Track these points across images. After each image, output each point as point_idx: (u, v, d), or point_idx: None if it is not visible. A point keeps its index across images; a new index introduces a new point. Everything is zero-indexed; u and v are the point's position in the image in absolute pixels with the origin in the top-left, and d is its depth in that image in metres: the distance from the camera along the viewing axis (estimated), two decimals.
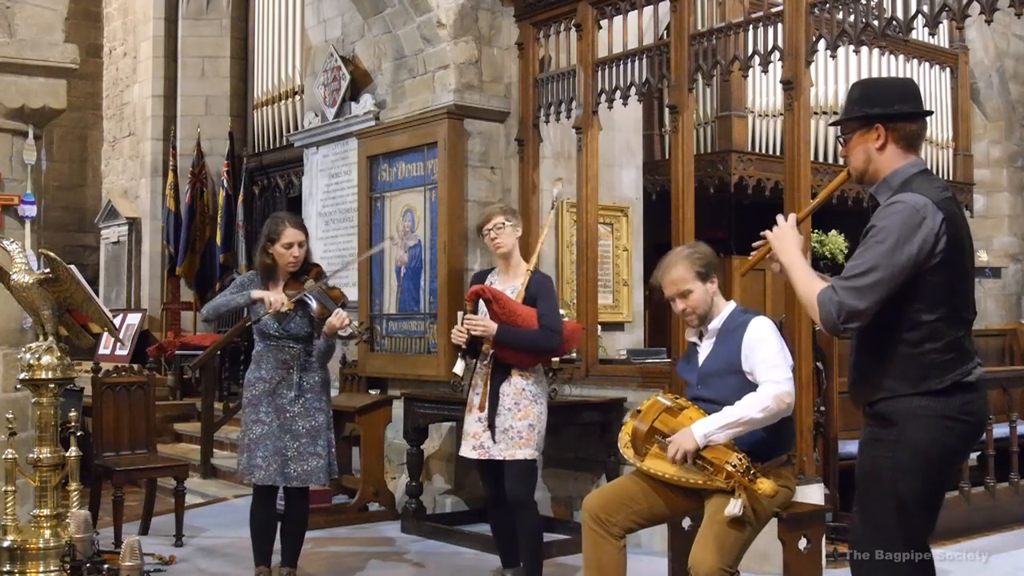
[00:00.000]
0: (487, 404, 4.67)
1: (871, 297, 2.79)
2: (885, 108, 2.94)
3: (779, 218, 3.16)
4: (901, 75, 9.46)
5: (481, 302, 4.75)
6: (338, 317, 4.63)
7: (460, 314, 4.77)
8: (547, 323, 4.69)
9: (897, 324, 2.84)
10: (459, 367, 4.73)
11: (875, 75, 9.16)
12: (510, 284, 4.79)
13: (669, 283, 3.83)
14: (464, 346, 4.68)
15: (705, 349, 3.85)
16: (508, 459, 4.63)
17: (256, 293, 4.67)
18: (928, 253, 2.77)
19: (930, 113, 3.10)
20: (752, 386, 3.66)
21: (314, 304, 4.69)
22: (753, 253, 3.28)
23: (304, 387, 4.76)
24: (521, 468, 4.65)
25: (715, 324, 3.82)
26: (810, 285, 2.94)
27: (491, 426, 4.65)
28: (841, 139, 3.07)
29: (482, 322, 4.62)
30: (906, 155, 2.94)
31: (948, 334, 2.83)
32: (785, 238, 3.08)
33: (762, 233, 3.22)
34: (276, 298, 4.62)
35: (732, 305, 3.87)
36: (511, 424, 4.64)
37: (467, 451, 4.75)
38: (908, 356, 2.84)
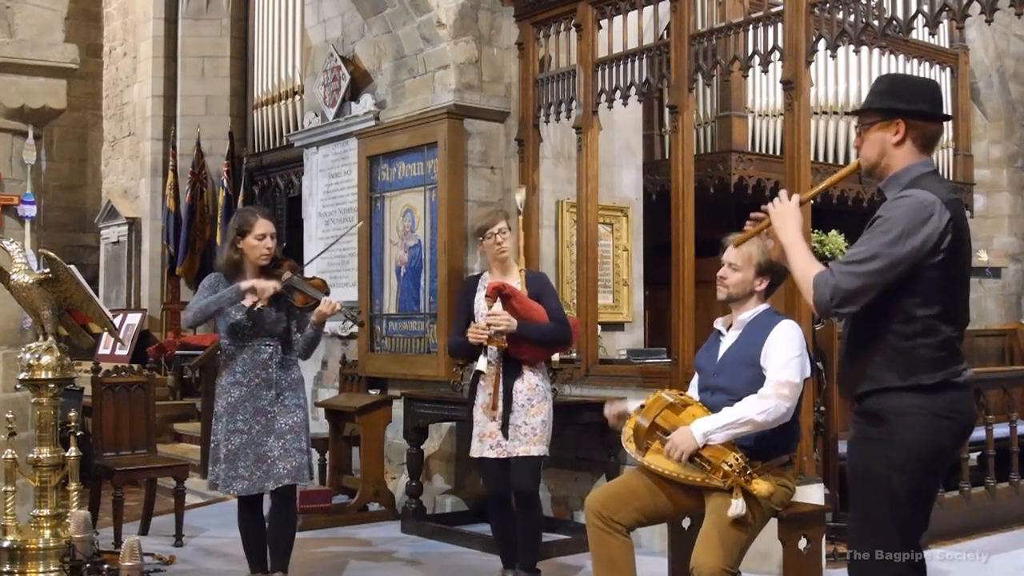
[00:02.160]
0: (500, 402, 4.67)
1: (866, 283, 2.81)
2: (909, 105, 2.95)
3: (782, 193, 3.15)
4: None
5: (480, 300, 4.79)
6: (328, 304, 4.53)
7: (482, 311, 4.73)
8: (557, 316, 4.80)
9: (891, 316, 2.86)
10: (482, 363, 4.70)
11: (875, 75, 9.17)
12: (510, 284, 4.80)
13: (733, 251, 3.83)
14: (485, 343, 4.66)
15: (730, 339, 3.87)
16: (522, 455, 4.66)
17: (246, 283, 4.48)
18: (931, 249, 2.79)
19: (949, 118, 3.10)
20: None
21: (295, 295, 4.61)
22: (749, 226, 3.28)
23: (283, 385, 4.64)
24: (533, 463, 4.71)
25: (745, 317, 3.84)
26: (808, 266, 2.95)
27: (505, 423, 4.66)
28: (858, 128, 3.07)
29: (506, 317, 4.61)
30: (920, 155, 2.96)
31: (942, 332, 2.85)
32: (787, 216, 3.07)
33: (762, 208, 3.20)
34: (267, 284, 4.46)
35: (766, 305, 3.88)
36: (525, 420, 4.68)
37: (484, 451, 4.73)
38: (899, 349, 2.85)
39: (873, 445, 2.90)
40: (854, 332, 2.98)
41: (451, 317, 6.63)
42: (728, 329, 3.90)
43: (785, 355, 3.67)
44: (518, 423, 4.68)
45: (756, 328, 3.79)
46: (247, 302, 4.51)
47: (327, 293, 4.70)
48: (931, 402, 2.83)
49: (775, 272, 3.81)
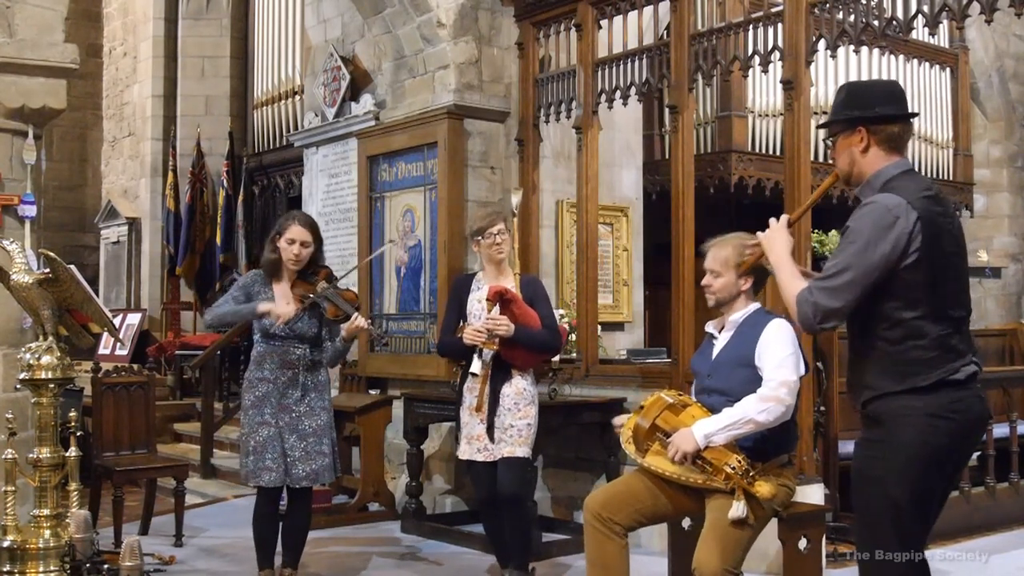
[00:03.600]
0: (487, 405, 4.68)
1: (844, 297, 2.84)
2: (865, 111, 2.98)
3: (771, 220, 3.21)
4: (901, 75, 9.50)
5: (473, 300, 4.79)
6: (358, 322, 4.64)
7: (482, 314, 4.71)
8: (550, 324, 4.79)
9: (878, 323, 2.88)
10: (476, 366, 4.67)
11: (875, 75, 9.18)
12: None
13: (711, 258, 3.88)
14: (481, 345, 4.63)
15: (722, 340, 3.88)
16: (507, 455, 4.66)
17: (263, 307, 4.62)
18: (902, 252, 2.80)
19: (914, 115, 3.12)
20: (762, 382, 3.67)
21: (326, 305, 4.69)
22: (748, 254, 3.34)
23: (309, 387, 4.74)
24: (519, 464, 4.69)
25: (736, 318, 3.85)
26: (791, 285, 3.00)
27: (490, 426, 4.67)
28: (828, 142, 3.11)
29: (506, 321, 4.60)
30: (889, 156, 2.98)
31: (931, 331, 2.85)
32: (775, 239, 3.14)
33: (757, 235, 3.26)
34: (285, 310, 4.60)
35: (756, 305, 3.89)
36: (511, 423, 4.68)
37: (472, 454, 4.73)
38: (891, 354, 2.87)
39: (872, 447, 2.92)
40: (852, 344, 3.02)
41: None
42: (720, 331, 3.91)
43: (780, 353, 3.68)
44: (504, 426, 4.68)
45: (747, 328, 3.80)
46: (268, 322, 4.65)
47: (358, 307, 4.78)
48: (927, 403, 2.83)
49: (757, 270, 3.82)
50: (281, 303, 4.65)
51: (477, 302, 4.81)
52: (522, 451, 4.68)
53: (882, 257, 2.80)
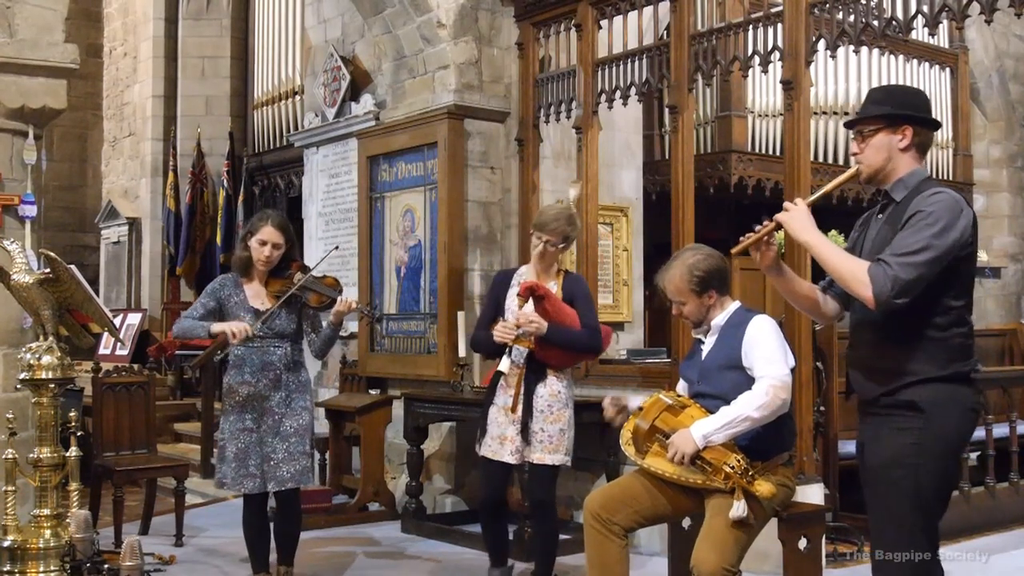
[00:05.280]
0: (520, 406, 4.55)
1: (922, 273, 2.85)
2: (916, 111, 3.06)
3: (787, 204, 3.12)
4: (901, 75, 9.51)
5: (511, 296, 4.66)
6: (344, 304, 4.55)
7: (511, 308, 4.58)
8: (589, 323, 4.62)
9: (929, 309, 2.92)
10: (505, 364, 4.52)
11: (875, 75, 9.18)
12: (545, 284, 4.63)
13: (667, 291, 3.91)
14: (511, 343, 4.49)
15: (708, 345, 3.89)
16: (536, 462, 4.55)
17: (215, 328, 4.49)
18: (964, 243, 2.90)
19: (940, 125, 3.24)
20: (753, 382, 3.67)
21: (308, 296, 4.63)
22: (755, 232, 3.15)
23: (291, 387, 4.67)
24: (548, 472, 4.57)
25: (718, 321, 3.86)
26: (851, 260, 2.97)
27: (524, 428, 4.53)
28: (860, 134, 3.08)
29: (537, 318, 4.46)
30: (919, 160, 3.07)
31: (968, 322, 2.97)
32: (803, 218, 3.05)
33: (775, 217, 3.12)
34: (239, 328, 4.46)
35: (736, 304, 3.89)
36: (543, 427, 4.54)
37: (504, 456, 4.57)
38: (937, 340, 2.92)
39: (905, 435, 2.91)
40: (883, 330, 2.97)
41: (451, 317, 6.65)
42: (706, 336, 3.92)
43: (767, 349, 3.69)
44: (536, 429, 4.53)
45: (730, 330, 3.81)
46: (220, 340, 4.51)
47: (340, 291, 4.70)
48: (966, 395, 2.93)
49: (712, 278, 3.81)
50: (235, 324, 4.51)
51: (511, 298, 4.67)
52: (552, 459, 4.54)
53: (954, 243, 2.86)
